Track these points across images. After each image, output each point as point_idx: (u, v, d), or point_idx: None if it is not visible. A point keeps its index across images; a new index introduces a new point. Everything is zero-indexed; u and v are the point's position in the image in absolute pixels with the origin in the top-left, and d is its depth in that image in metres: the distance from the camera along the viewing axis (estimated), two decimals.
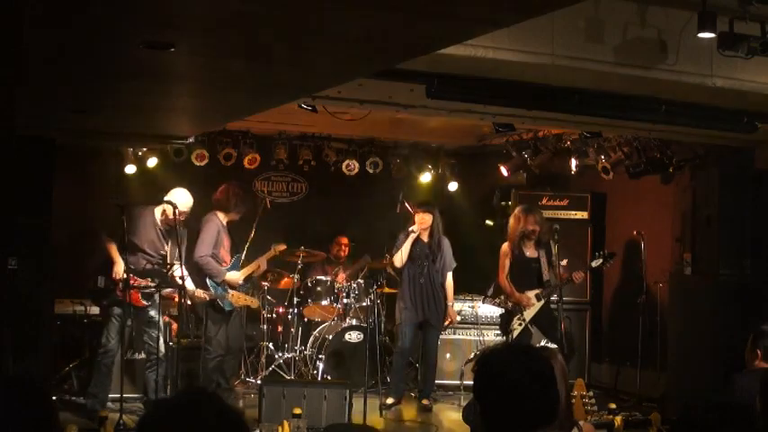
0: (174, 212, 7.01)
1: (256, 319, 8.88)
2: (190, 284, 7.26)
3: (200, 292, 7.49)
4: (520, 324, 7.84)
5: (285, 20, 3.60)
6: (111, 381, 7.23)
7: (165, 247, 7.30)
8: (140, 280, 7.13)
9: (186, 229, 7.44)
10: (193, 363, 7.89)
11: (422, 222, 8.15)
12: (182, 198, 7.31)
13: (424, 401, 8.24)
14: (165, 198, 7.20)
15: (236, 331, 7.85)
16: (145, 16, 3.57)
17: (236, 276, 7.67)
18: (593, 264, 8.03)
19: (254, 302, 7.91)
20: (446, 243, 8.30)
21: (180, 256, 6.97)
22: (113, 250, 7.12)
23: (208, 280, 7.60)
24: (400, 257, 8.13)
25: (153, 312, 7.25)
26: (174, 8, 3.45)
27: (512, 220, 8.05)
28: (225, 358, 7.87)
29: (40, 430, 2.05)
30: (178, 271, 6.99)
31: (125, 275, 6.98)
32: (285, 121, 8.88)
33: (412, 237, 8.12)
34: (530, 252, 7.93)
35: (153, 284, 7.14)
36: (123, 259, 7.06)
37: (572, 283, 7.92)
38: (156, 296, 7.24)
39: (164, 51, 4.05)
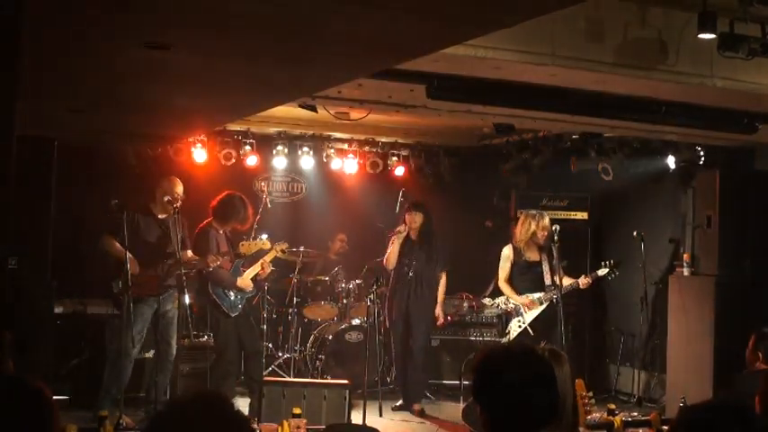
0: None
1: (257, 319, 8.87)
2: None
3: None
4: (519, 326, 7.83)
5: (285, 20, 3.60)
6: (127, 379, 7.15)
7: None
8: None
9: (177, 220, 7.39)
10: (196, 363, 7.88)
11: (411, 222, 8.23)
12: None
13: (415, 406, 8.15)
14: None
15: (249, 334, 7.75)
16: (145, 16, 3.57)
17: (246, 282, 7.60)
18: (600, 273, 7.86)
19: (263, 267, 7.78)
20: (438, 243, 8.33)
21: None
22: (118, 248, 7.06)
23: (212, 287, 7.49)
24: (390, 259, 8.28)
25: (170, 309, 7.24)
26: (173, 8, 3.45)
27: (519, 225, 7.98)
28: (247, 364, 7.80)
29: (40, 430, 2.05)
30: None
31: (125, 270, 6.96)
32: (285, 121, 8.89)
33: (399, 237, 8.23)
34: (532, 256, 7.90)
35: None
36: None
37: (576, 287, 7.86)
38: (174, 292, 7.24)
39: (163, 51, 4.05)
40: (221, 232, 7.63)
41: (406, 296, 8.18)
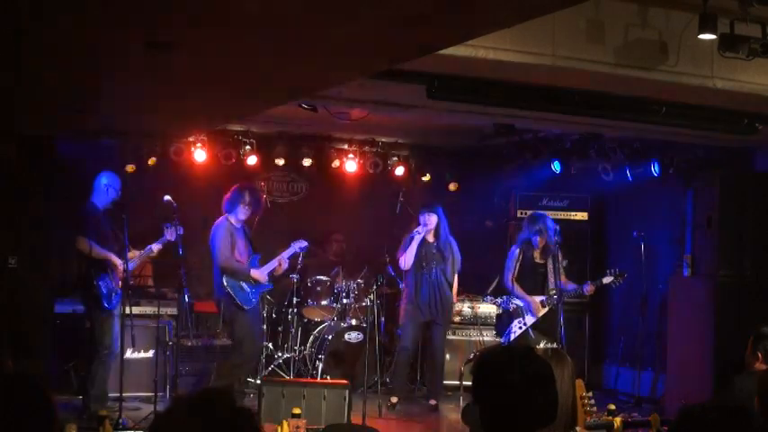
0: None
1: None
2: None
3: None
4: (520, 327, 7.85)
5: (285, 21, 3.60)
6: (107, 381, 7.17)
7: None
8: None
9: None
10: (196, 363, 7.89)
11: (427, 224, 8.19)
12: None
13: (432, 401, 8.29)
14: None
15: (258, 331, 7.84)
16: (145, 16, 3.57)
17: (260, 274, 7.70)
18: (605, 280, 7.95)
19: (280, 264, 7.89)
20: (454, 244, 8.35)
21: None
22: (93, 248, 6.99)
23: (227, 281, 7.55)
24: (405, 260, 8.20)
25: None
26: (174, 8, 3.46)
27: (524, 225, 8.21)
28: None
29: (41, 430, 2.05)
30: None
31: (125, 269, 6.93)
32: (285, 121, 8.89)
33: (417, 239, 8.15)
34: (537, 257, 7.99)
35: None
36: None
37: (581, 294, 7.94)
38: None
39: (164, 51, 4.05)
40: (240, 226, 7.75)
41: (430, 304, 8.15)
